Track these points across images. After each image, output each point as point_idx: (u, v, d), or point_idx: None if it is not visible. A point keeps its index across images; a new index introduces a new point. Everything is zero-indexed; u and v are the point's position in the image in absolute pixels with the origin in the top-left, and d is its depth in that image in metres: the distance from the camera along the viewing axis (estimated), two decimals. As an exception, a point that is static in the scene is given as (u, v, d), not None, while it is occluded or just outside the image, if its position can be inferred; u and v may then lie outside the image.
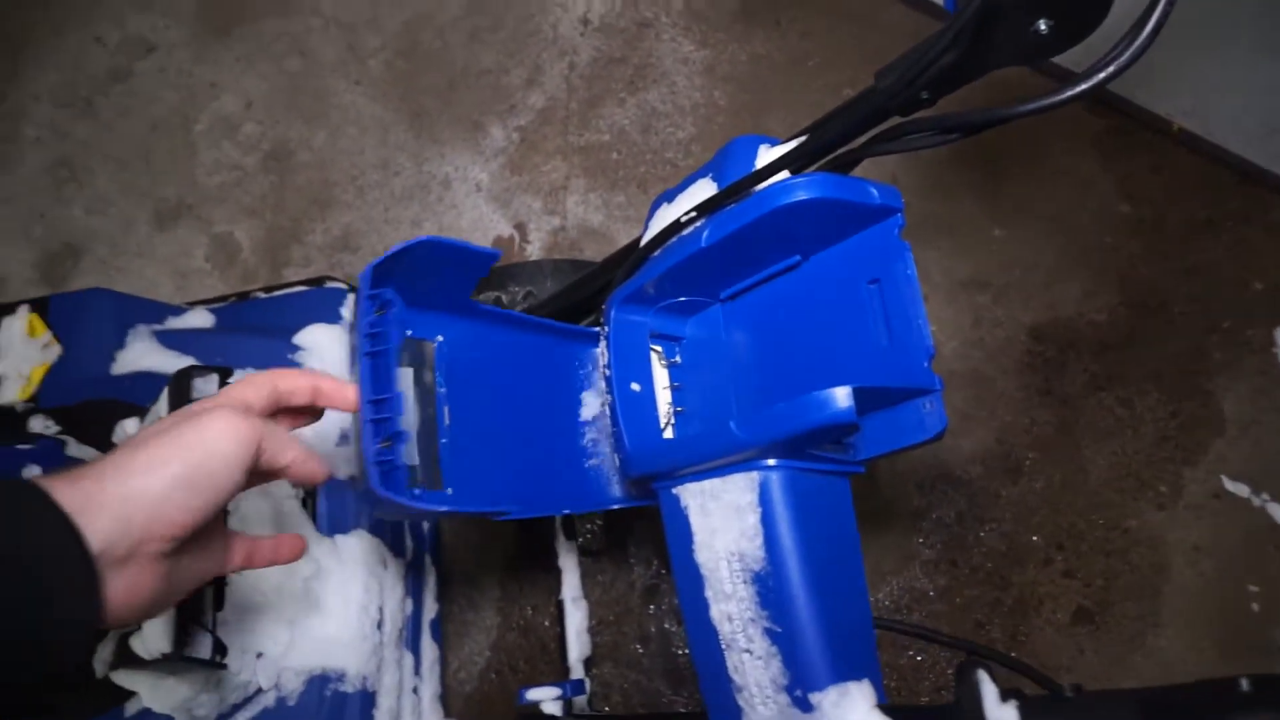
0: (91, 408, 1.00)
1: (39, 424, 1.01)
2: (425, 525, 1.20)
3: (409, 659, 1.08)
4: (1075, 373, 1.34)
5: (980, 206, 1.43)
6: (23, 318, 1.07)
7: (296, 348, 1.09)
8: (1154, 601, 1.24)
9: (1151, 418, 1.30)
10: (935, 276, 1.40)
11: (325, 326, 1.12)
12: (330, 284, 1.22)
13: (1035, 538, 1.27)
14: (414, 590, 1.13)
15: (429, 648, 1.15)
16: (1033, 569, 1.26)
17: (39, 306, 1.08)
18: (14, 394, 1.03)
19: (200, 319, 1.14)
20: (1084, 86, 0.61)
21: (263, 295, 1.22)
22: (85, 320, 1.08)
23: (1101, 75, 0.60)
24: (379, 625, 1.00)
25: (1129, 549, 1.25)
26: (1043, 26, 0.65)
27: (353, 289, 1.19)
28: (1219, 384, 1.31)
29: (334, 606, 0.95)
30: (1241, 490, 1.26)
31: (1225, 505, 1.26)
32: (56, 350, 1.05)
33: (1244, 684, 0.50)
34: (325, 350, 1.10)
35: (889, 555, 1.28)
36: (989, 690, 0.60)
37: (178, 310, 1.14)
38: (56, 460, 0.96)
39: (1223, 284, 1.35)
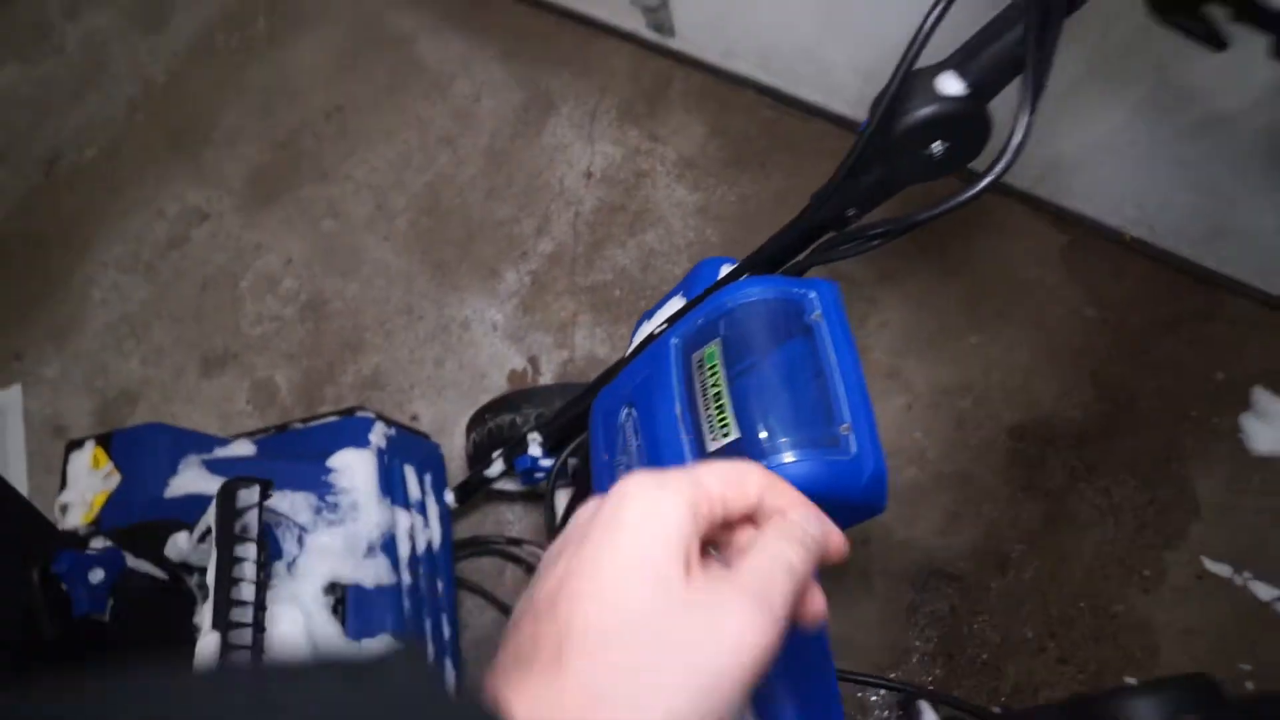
0: (146, 527, 1.12)
1: (99, 544, 1.13)
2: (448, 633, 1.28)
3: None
4: (1055, 467, 1.42)
5: (959, 318, 1.54)
6: (89, 451, 1.20)
7: (330, 469, 1.21)
8: (1150, 685, 1.28)
9: (1130, 505, 1.37)
10: (918, 385, 1.50)
11: (355, 450, 1.24)
12: (360, 414, 1.34)
13: (1027, 627, 1.32)
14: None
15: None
16: (1027, 657, 1.31)
17: (103, 441, 1.22)
18: (78, 519, 1.15)
19: (244, 448, 1.27)
20: (975, 190, 0.72)
21: (300, 426, 1.35)
22: (142, 451, 1.21)
23: (987, 179, 0.72)
24: None
25: (1119, 633, 1.30)
26: (937, 149, 0.78)
27: (380, 417, 1.32)
28: (1192, 470, 1.38)
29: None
30: (1224, 570, 1.32)
31: (1209, 586, 1.31)
32: (117, 479, 1.18)
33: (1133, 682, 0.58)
34: (355, 470, 1.22)
35: (887, 652, 1.34)
36: (929, 715, 0.67)
37: (224, 441, 1.27)
38: (118, 564, 1.07)
39: (1188, 377, 1.44)
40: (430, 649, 1.22)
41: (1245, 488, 1.36)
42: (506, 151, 1.85)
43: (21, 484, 1.67)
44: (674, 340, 0.85)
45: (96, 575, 0.93)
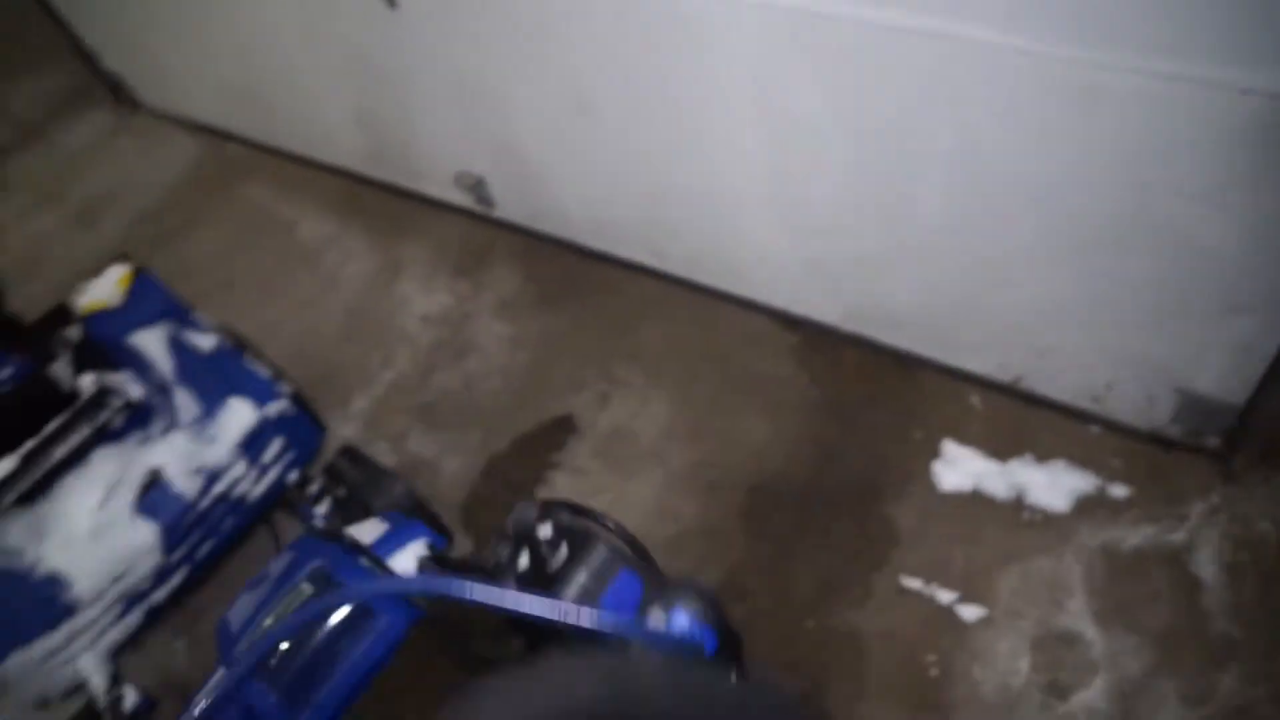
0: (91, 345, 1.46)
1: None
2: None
3: None
4: (785, 515, 1.69)
5: (709, 406, 1.87)
6: (125, 270, 1.57)
7: (225, 404, 1.50)
8: (859, 681, 1.50)
9: (844, 538, 1.64)
10: (675, 462, 1.80)
11: (251, 405, 1.51)
12: (280, 386, 1.58)
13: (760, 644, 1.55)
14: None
15: None
16: (755, 666, 1.53)
17: (137, 271, 1.58)
18: (81, 305, 1.52)
19: (207, 341, 1.56)
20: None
21: (252, 358, 1.61)
22: (145, 292, 1.57)
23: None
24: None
25: (833, 641, 1.53)
26: None
27: (294, 397, 1.57)
28: (894, 508, 1.66)
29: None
30: (915, 584, 1.57)
31: (905, 598, 1.56)
32: (119, 301, 1.54)
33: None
34: (239, 416, 1.49)
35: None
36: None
37: (202, 328, 1.57)
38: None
39: (891, 437, 1.75)
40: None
41: (935, 517, 1.63)
42: (362, 307, 2.23)
43: None
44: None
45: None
